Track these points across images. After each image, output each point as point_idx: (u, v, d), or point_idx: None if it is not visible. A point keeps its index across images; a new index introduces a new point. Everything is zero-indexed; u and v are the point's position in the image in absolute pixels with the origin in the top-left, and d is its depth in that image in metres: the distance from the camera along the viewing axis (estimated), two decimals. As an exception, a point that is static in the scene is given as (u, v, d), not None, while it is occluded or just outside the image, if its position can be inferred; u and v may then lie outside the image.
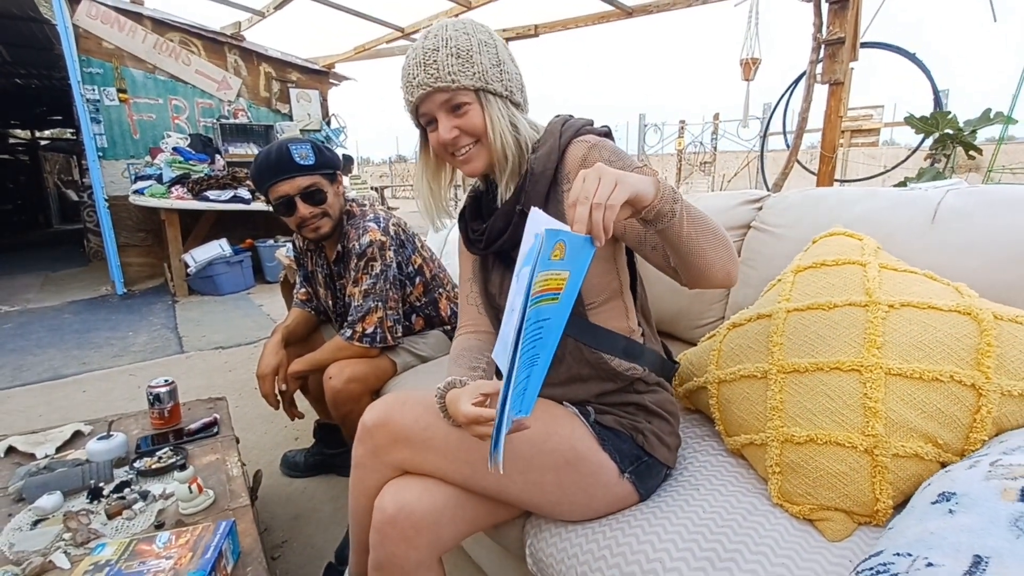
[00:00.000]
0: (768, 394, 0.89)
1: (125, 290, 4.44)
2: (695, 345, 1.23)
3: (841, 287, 0.92)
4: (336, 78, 5.87)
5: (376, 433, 0.85)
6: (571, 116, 0.92)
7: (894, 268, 0.92)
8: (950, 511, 0.55)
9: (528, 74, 0.95)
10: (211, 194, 4.33)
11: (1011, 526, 0.49)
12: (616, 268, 0.91)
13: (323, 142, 2.53)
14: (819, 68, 3.25)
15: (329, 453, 1.80)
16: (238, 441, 1.37)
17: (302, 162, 1.43)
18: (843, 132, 5.17)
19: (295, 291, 1.75)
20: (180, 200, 4.24)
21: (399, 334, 1.48)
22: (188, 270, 4.34)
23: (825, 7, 3.17)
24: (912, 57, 3.23)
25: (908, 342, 0.79)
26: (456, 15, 4.50)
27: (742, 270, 1.39)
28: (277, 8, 4.29)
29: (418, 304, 1.59)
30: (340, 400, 1.36)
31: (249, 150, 4.98)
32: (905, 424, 0.75)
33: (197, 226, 4.56)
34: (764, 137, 4.23)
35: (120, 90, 4.52)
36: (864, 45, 3.32)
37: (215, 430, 1.38)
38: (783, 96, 3.84)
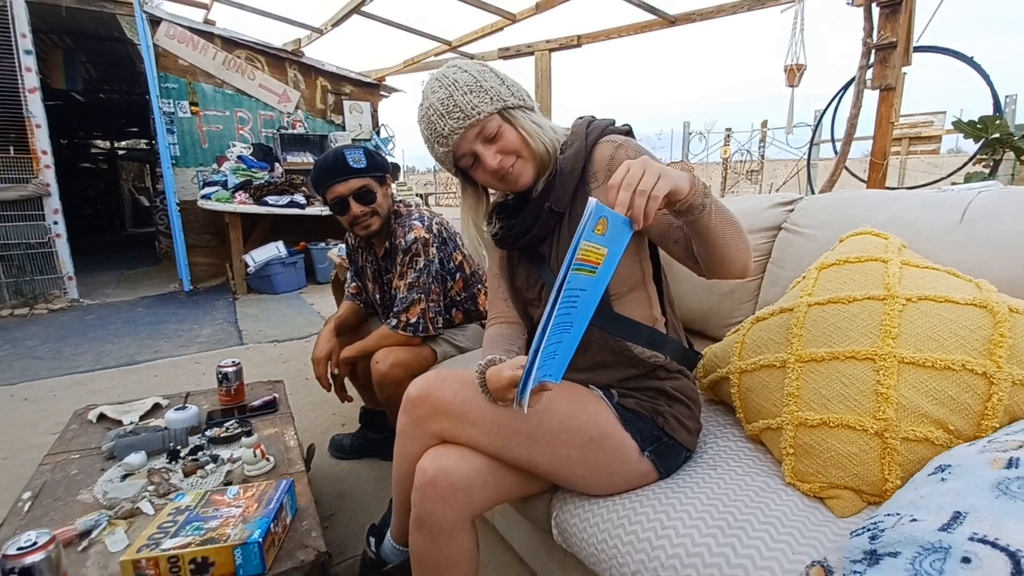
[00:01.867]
0: (786, 382, 0.93)
1: (191, 287, 4.79)
2: (722, 340, 1.27)
3: (862, 282, 0.95)
4: (386, 90, 6.15)
5: (419, 405, 0.95)
6: (594, 118, 0.99)
7: (916, 265, 0.95)
8: (942, 479, 0.60)
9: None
10: (270, 199, 4.63)
11: (993, 488, 0.53)
12: (639, 260, 0.98)
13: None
14: (869, 73, 3.19)
15: (373, 438, 1.92)
16: (293, 419, 1.51)
17: (355, 165, 1.57)
18: (900, 139, 4.98)
19: (346, 285, 1.90)
20: (242, 205, 4.55)
21: (440, 325, 1.59)
22: (248, 270, 4.65)
23: (876, 11, 3.12)
24: (970, 61, 3.11)
25: (923, 333, 0.82)
26: (500, 28, 4.66)
27: (772, 270, 1.42)
28: (335, 26, 4.57)
29: (458, 299, 1.70)
30: (385, 383, 1.47)
31: (305, 158, 5.29)
32: (916, 410, 0.78)
33: (256, 229, 4.88)
34: (812, 145, 4.15)
35: (192, 103, 4.92)
36: (917, 49, 3.23)
37: (275, 407, 1.53)
38: (831, 102, 3.76)
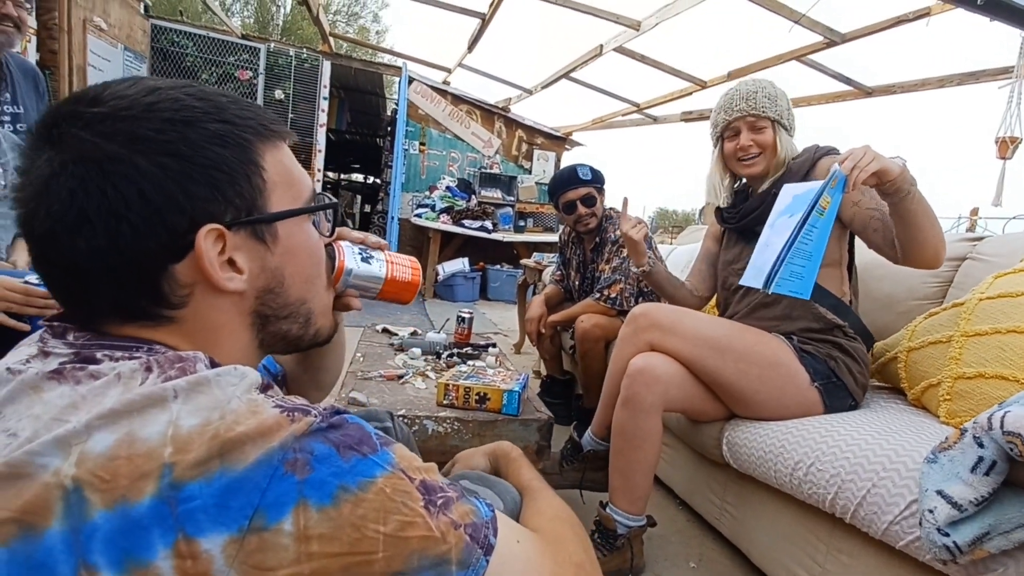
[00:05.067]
0: (949, 351, 1.13)
1: (392, 286, 5.85)
2: (892, 341, 1.45)
3: (1034, 282, 1.13)
4: (570, 144, 6.94)
5: (639, 318, 1.33)
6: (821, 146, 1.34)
7: (1093, 273, 1.10)
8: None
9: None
10: (466, 222, 5.54)
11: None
12: (840, 246, 1.27)
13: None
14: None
15: (547, 401, 2.33)
16: (507, 356, 2.00)
17: (583, 178, 2.08)
18: None
19: (551, 272, 2.39)
20: (445, 224, 5.52)
21: (631, 304, 1.98)
22: (438, 277, 5.55)
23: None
24: None
25: (1085, 315, 0.99)
26: (689, 94, 5.11)
27: (952, 293, 1.55)
28: (544, 88, 5.45)
29: (645, 290, 2.07)
30: (585, 338, 1.89)
31: (495, 194, 6.21)
32: (1070, 369, 0.95)
33: (449, 245, 5.82)
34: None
35: (421, 143, 6.16)
36: None
37: (495, 346, 2.04)
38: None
